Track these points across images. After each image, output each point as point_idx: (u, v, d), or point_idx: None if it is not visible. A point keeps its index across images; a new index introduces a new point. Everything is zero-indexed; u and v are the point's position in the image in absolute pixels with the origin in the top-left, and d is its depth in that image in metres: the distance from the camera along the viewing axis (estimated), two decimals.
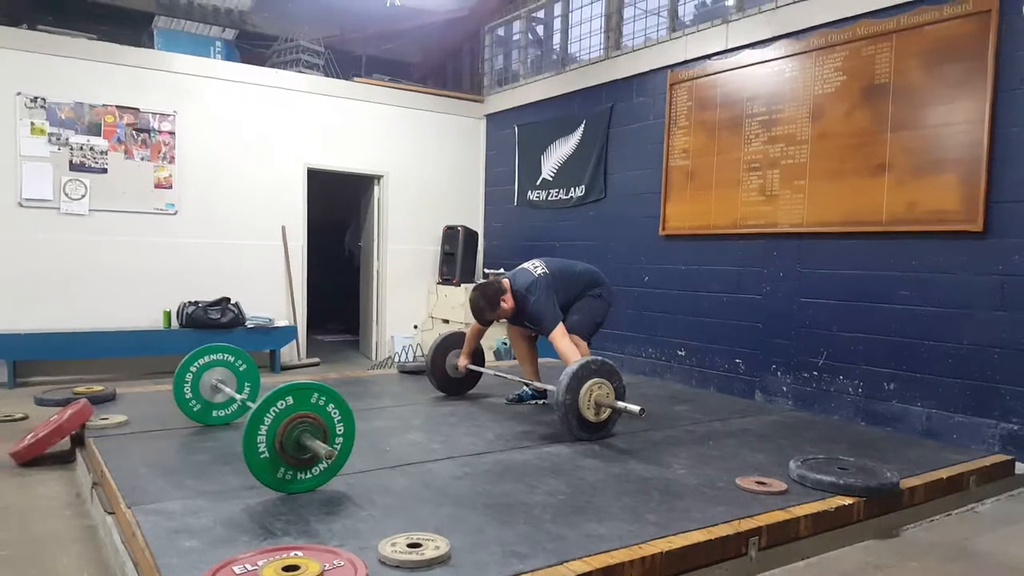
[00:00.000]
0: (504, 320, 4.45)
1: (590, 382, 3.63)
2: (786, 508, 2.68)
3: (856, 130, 4.53)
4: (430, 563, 2.11)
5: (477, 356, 4.78)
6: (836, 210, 4.63)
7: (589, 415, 3.64)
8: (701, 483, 2.99)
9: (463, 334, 4.81)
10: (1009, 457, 3.65)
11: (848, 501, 2.79)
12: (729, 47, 5.32)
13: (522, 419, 4.15)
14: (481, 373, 4.76)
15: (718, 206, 5.38)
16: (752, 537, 2.49)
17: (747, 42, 5.19)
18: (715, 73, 5.43)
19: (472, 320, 4.45)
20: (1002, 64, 3.88)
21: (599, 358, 3.77)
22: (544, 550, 2.24)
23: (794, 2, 4.90)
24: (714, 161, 5.42)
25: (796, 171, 4.87)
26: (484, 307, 4.19)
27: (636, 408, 3.48)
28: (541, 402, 4.58)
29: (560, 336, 4.02)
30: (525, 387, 4.63)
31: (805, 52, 4.82)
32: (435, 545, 2.19)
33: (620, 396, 3.70)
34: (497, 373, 4.68)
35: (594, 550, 2.25)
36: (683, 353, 5.68)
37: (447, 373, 4.76)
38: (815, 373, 4.75)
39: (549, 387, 4.06)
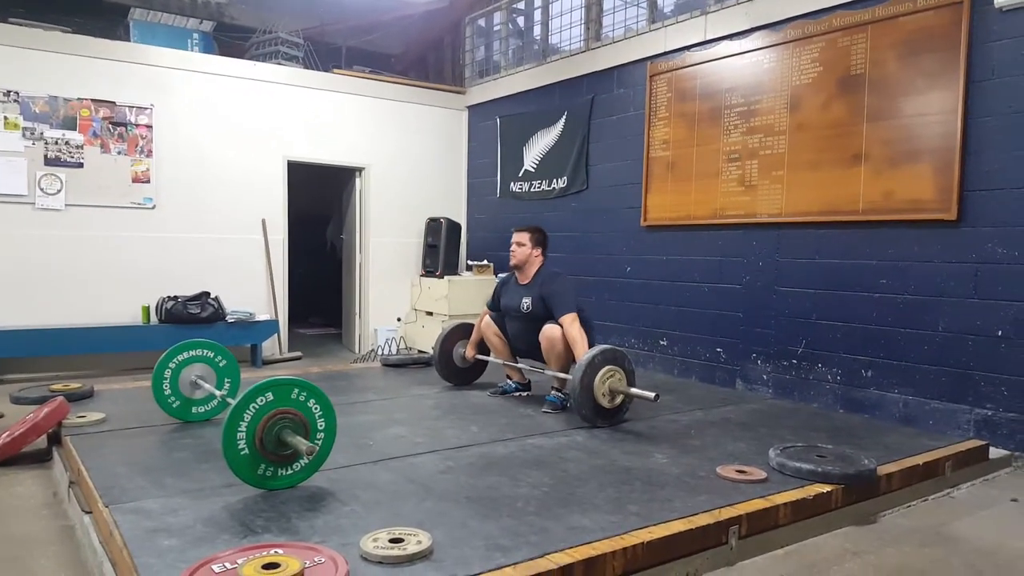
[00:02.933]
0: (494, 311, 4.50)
1: (604, 369, 3.71)
2: (766, 496, 2.72)
3: (833, 121, 4.56)
4: (412, 558, 2.11)
5: (483, 346, 4.75)
6: (814, 200, 4.67)
7: (604, 402, 3.72)
8: (682, 473, 3.02)
9: (470, 325, 4.84)
10: (984, 442, 3.72)
11: (826, 488, 2.83)
12: (708, 38, 5.33)
13: (505, 412, 4.16)
14: (487, 363, 4.77)
15: (698, 197, 5.40)
16: (732, 526, 2.51)
17: (725, 33, 5.20)
18: (694, 64, 5.44)
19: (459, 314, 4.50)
20: (974, 55, 3.93)
21: (610, 346, 3.85)
22: (527, 543, 2.25)
23: None
24: (694, 152, 5.44)
25: (774, 162, 4.90)
26: (527, 229, 4.32)
27: (651, 394, 3.57)
28: (525, 394, 4.58)
29: (572, 320, 4.06)
30: (508, 379, 4.63)
31: (782, 43, 4.84)
32: (417, 540, 2.20)
33: (631, 382, 3.79)
34: (506, 363, 4.63)
35: (577, 542, 2.26)
36: (665, 343, 5.72)
37: (454, 363, 4.79)
38: (794, 361, 4.80)
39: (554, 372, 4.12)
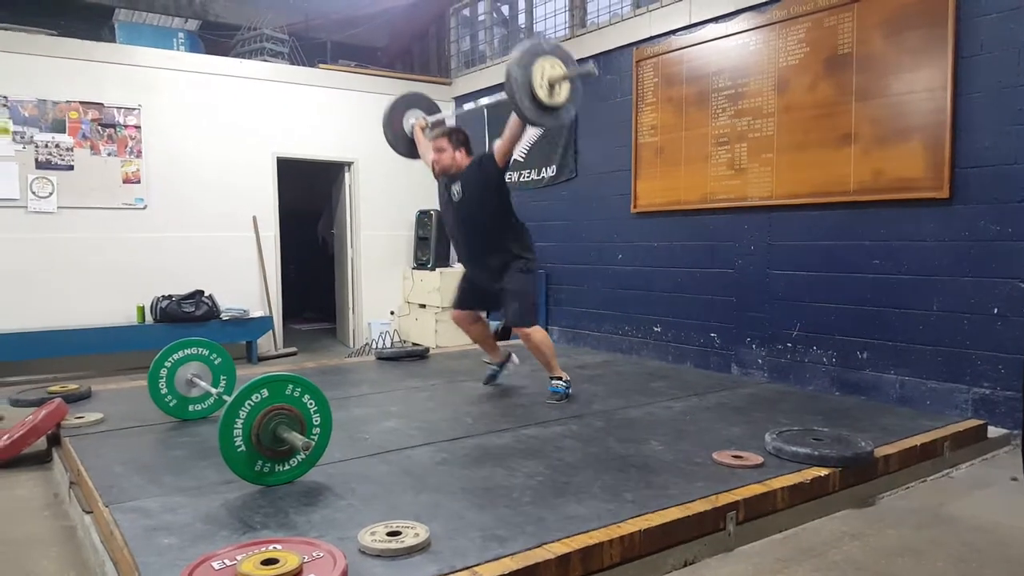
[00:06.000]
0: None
1: (541, 59, 3.40)
2: (762, 481, 2.71)
3: (821, 101, 4.56)
4: (410, 551, 2.12)
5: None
6: (804, 182, 4.67)
7: (542, 95, 3.40)
8: (678, 459, 3.02)
9: (414, 94, 4.63)
10: (981, 421, 3.71)
11: (823, 472, 2.82)
12: (693, 22, 5.31)
13: (500, 402, 4.18)
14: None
15: (688, 182, 5.40)
16: (729, 512, 2.51)
17: (710, 16, 5.18)
18: (680, 48, 5.42)
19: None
20: (962, 30, 3.92)
21: (554, 41, 3.67)
22: (524, 533, 2.27)
23: None
24: (682, 137, 5.44)
25: (763, 144, 4.90)
26: (442, 134, 4.08)
27: (591, 67, 3.47)
28: (511, 364, 4.57)
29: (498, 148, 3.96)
30: (490, 365, 4.60)
31: (768, 24, 4.83)
32: (415, 532, 2.21)
33: (568, 66, 3.50)
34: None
35: (573, 531, 2.27)
36: (659, 329, 5.73)
37: (405, 135, 4.48)
38: (789, 345, 4.82)
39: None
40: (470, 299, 4.39)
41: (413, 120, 4.46)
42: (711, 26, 5.19)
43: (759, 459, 2.94)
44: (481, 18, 7.85)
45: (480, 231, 4.11)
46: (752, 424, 3.59)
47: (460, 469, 2.95)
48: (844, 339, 4.50)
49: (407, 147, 4.49)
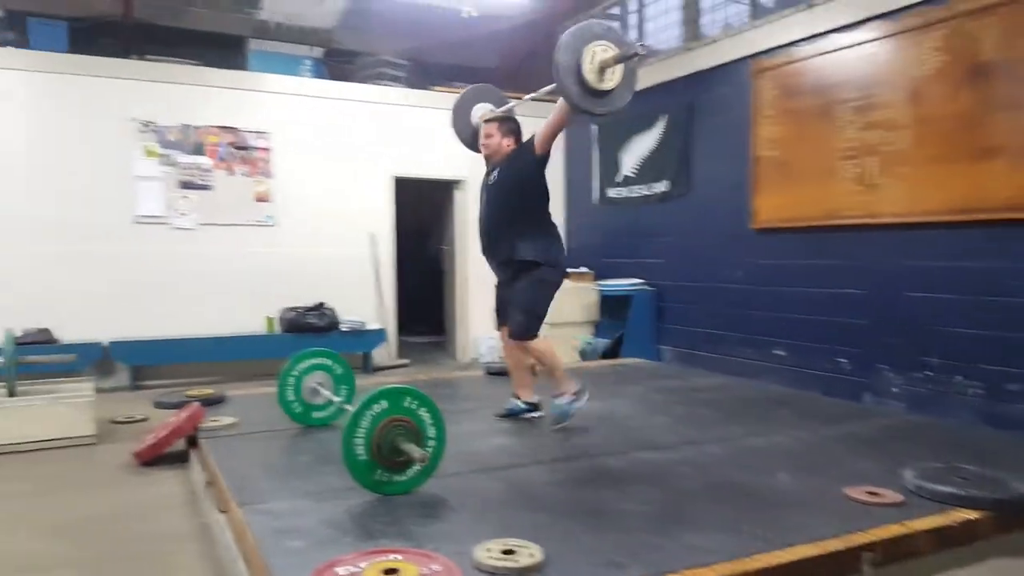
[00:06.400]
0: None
1: (593, 43, 3.22)
2: (902, 522, 2.49)
3: (961, 112, 4.24)
4: (525, 571, 2.10)
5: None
6: (943, 198, 4.35)
7: (592, 79, 3.22)
8: (806, 493, 2.84)
9: (495, 90, 4.45)
10: None
11: (973, 515, 2.56)
12: (815, 32, 5.10)
13: (610, 423, 4.10)
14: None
15: (812, 197, 5.15)
16: (866, 552, 2.32)
17: (835, 26, 4.96)
18: (802, 59, 5.21)
19: None
20: None
21: (606, 23, 3.41)
22: (641, 560, 2.19)
23: None
24: (805, 150, 5.20)
25: (896, 158, 4.60)
26: (495, 119, 3.95)
27: (636, 46, 3.24)
28: (536, 414, 4.05)
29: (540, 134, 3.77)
30: (515, 400, 4.09)
31: (900, 33, 4.55)
32: (529, 552, 2.19)
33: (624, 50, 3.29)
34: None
35: (694, 562, 2.16)
36: (782, 353, 5.47)
37: (471, 124, 4.30)
38: (929, 373, 4.47)
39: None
40: (502, 311, 4.09)
41: (480, 112, 4.31)
42: (835, 36, 4.96)
43: (898, 497, 2.71)
44: None
45: (503, 220, 3.86)
46: (888, 458, 3.31)
47: (572, 490, 2.91)
48: (992, 368, 4.13)
49: (472, 139, 4.27)
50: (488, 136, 3.94)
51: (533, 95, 3.98)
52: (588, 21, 3.37)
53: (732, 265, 5.88)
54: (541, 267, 3.83)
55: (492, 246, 3.96)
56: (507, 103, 4.33)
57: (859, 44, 4.80)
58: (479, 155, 4.10)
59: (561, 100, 3.46)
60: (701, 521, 2.54)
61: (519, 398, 4.08)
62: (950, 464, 3.04)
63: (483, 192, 4.01)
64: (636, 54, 3.24)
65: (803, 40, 5.21)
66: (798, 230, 5.29)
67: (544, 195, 3.93)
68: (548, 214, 3.98)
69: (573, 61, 3.19)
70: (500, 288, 4.09)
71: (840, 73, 4.94)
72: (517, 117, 4.15)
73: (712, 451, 3.49)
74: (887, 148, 4.66)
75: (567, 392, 3.88)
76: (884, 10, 4.64)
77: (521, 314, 3.86)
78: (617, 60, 3.25)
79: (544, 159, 3.83)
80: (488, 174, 4.00)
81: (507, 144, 3.93)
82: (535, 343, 3.88)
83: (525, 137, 3.98)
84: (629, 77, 3.36)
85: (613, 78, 3.29)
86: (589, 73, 3.21)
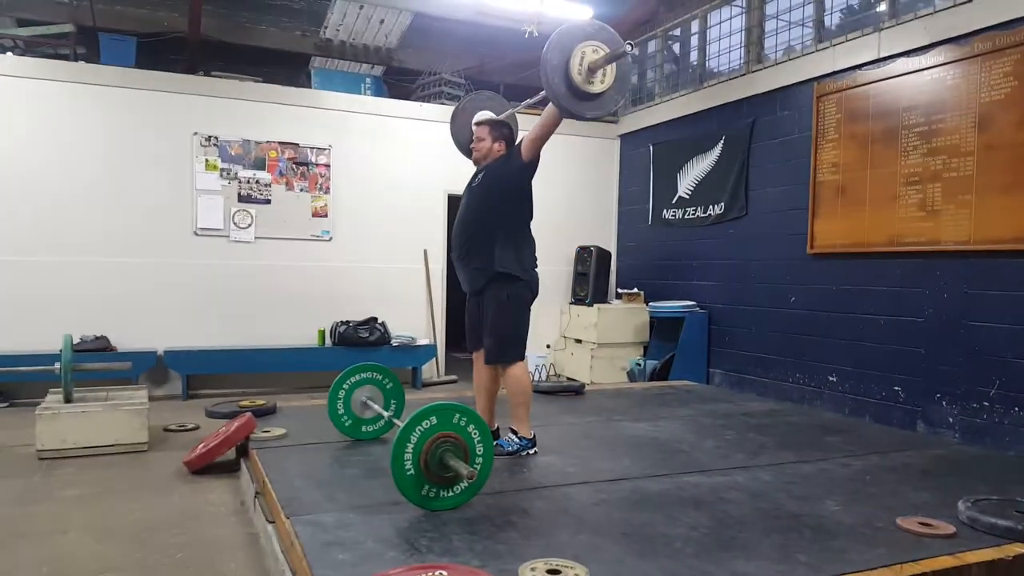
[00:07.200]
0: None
1: (583, 44, 3.14)
2: (955, 554, 2.44)
3: None
4: None
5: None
6: (1008, 226, 4.20)
7: (579, 80, 3.14)
8: (857, 522, 2.78)
9: (498, 97, 4.30)
10: None
11: None
12: (881, 56, 5.00)
13: (658, 446, 4.06)
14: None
15: (872, 222, 5.03)
16: None
17: (902, 50, 4.86)
18: (866, 84, 5.11)
19: None
20: None
21: (598, 22, 3.26)
22: None
23: (954, 6, 4.54)
24: (867, 175, 5.09)
25: (961, 184, 4.47)
26: (486, 123, 3.80)
27: (626, 46, 3.09)
28: (533, 451, 3.74)
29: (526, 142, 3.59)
30: (511, 434, 3.73)
31: (968, 58, 4.44)
32: (575, 573, 2.19)
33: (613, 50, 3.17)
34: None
35: None
36: (835, 379, 5.34)
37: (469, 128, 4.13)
38: (986, 404, 4.30)
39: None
40: (475, 332, 3.83)
41: (478, 117, 4.16)
42: (902, 60, 4.86)
43: (951, 528, 2.64)
44: (651, 55, 7.84)
45: (482, 225, 3.68)
46: (942, 489, 3.22)
47: (618, 512, 2.89)
48: None
49: (467, 143, 4.10)
50: (479, 139, 3.80)
51: (528, 101, 3.85)
52: (580, 20, 3.29)
53: (787, 289, 5.78)
54: (517, 282, 3.68)
55: (467, 252, 3.73)
56: (508, 111, 4.23)
57: (927, 68, 4.70)
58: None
59: (550, 104, 3.35)
60: (751, 548, 2.50)
61: (515, 432, 3.75)
62: (1006, 497, 2.93)
63: (465, 195, 3.85)
64: (625, 53, 3.13)
65: (869, 64, 5.12)
66: (857, 255, 5.17)
67: (527, 203, 3.78)
68: (528, 226, 3.84)
69: (561, 61, 3.11)
70: (470, 304, 3.87)
71: (906, 98, 4.83)
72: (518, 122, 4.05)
73: (762, 477, 3.43)
74: (951, 175, 4.53)
75: (521, 433, 3.70)
76: (954, 34, 4.53)
77: (494, 338, 3.67)
78: (607, 60, 3.16)
79: (530, 165, 3.66)
80: (473, 176, 3.87)
81: (497, 148, 3.78)
82: (513, 369, 3.66)
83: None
84: (622, 80, 3.28)
85: (604, 81, 3.21)
86: (577, 75, 3.13)
